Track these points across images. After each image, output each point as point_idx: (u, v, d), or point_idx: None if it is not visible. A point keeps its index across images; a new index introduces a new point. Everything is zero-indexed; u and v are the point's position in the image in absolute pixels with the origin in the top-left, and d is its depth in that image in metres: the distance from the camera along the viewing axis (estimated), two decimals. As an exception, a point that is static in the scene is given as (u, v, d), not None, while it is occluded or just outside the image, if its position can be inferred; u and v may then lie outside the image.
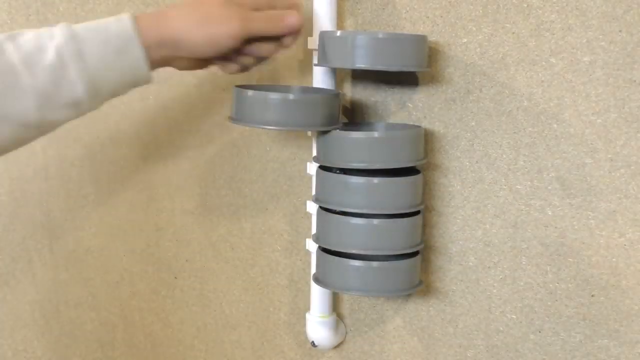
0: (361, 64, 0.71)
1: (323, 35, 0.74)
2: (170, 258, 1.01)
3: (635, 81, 0.68)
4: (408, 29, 0.77)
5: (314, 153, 0.79)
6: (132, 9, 0.93)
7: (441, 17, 0.75)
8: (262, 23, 0.68)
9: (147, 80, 0.68)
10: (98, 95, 0.66)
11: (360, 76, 0.81)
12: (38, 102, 0.63)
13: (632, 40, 0.67)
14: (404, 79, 0.79)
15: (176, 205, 0.98)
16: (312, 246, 0.82)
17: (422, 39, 0.72)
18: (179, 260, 1.00)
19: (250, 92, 0.74)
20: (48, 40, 0.64)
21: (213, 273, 0.98)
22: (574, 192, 0.72)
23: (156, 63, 0.68)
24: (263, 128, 0.76)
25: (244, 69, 0.72)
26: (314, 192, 0.80)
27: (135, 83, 0.68)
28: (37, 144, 1.06)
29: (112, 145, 1.00)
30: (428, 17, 0.76)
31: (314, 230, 0.82)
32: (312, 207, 0.82)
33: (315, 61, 0.77)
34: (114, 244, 1.04)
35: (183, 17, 0.66)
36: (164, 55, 0.67)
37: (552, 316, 0.76)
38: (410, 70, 0.73)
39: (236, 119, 0.75)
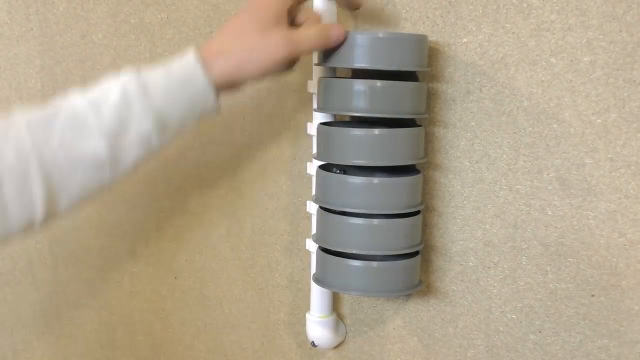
0: (361, 64, 0.71)
1: (323, 35, 0.74)
2: (170, 258, 1.01)
3: (635, 81, 0.68)
4: (408, 29, 0.77)
5: (314, 151, 0.79)
6: (132, 9, 0.93)
7: (441, 17, 0.75)
8: (308, 44, 0.68)
9: (214, 109, 0.67)
10: (166, 130, 0.65)
11: (360, 76, 0.81)
12: (108, 142, 0.62)
13: (632, 40, 0.67)
14: (404, 79, 0.79)
15: (176, 205, 0.98)
16: (312, 246, 0.82)
17: (422, 39, 0.72)
18: (179, 260, 1.00)
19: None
20: (113, 82, 0.64)
21: (213, 273, 0.98)
22: (574, 192, 0.72)
23: (221, 91, 0.67)
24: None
25: None
26: (314, 192, 0.80)
27: (202, 114, 0.67)
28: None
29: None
30: (428, 17, 0.76)
31: (314, 230, 0.82)
32: (312, 207, 0.82)
33: (315, 61, 0.78)
34: (114, 244, 1.04)
35: (231, 53, 0.66)
36: (227, 85, 0.67)
37: (552, 316, 0.76)
38: (410, 70, 0.73)
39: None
